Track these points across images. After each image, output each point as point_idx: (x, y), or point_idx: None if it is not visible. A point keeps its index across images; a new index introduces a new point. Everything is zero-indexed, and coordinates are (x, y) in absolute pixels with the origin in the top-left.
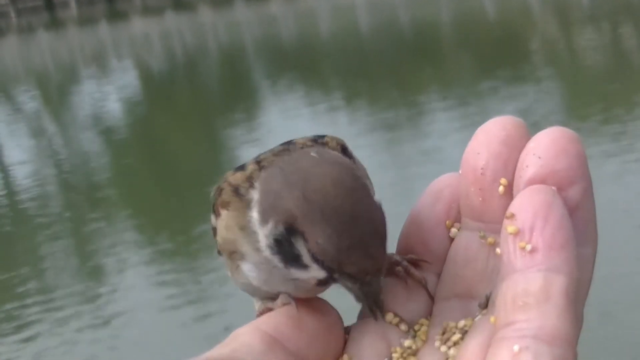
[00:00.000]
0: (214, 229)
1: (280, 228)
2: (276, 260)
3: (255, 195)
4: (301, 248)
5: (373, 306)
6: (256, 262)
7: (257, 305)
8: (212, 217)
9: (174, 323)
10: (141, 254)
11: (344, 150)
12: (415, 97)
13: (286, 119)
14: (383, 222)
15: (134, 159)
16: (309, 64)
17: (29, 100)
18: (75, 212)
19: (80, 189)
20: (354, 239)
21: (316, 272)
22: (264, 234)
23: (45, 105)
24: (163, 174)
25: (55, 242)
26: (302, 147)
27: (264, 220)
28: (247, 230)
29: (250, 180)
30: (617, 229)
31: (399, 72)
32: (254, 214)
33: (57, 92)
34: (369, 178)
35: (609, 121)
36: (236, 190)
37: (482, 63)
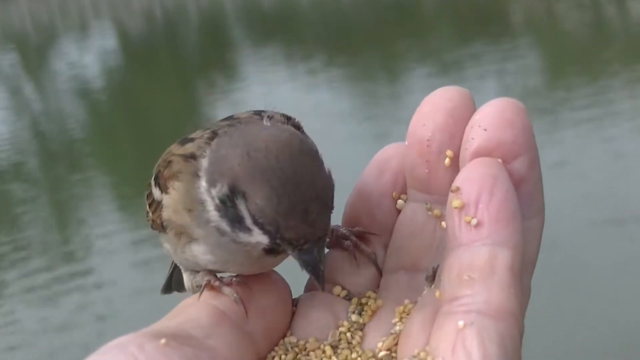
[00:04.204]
0: (158, 202)
1: (225, 189)
2: (224, 225)
3: (204, 162)
4: (243, 210)
5: (312, 275)
6: (208, 242)
7: (191, 278)
8: (156, 191)
9: (153, 288)
10: (119, 214)
11: (288, 119)
12: (394, 62)
13: (265, 82)
14: (328, 189)
15: (112, 119)
16: (289, 28)
17: (7, 61)
18: (52, 172)
19: (58, 149)
20: (293, 203)
21: (259, 237)
22: (211, 199)
23: (23, 67)
24: (142, 133)
25: (32, 203)
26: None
27: (211, 184)
28: (195, 206)
29: (201, 149)
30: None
31: (380, 38)
32: (203, 183)
33: (35, 53)
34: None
35: (588, 86)
36: (187, 158)
37: (463, 30)
